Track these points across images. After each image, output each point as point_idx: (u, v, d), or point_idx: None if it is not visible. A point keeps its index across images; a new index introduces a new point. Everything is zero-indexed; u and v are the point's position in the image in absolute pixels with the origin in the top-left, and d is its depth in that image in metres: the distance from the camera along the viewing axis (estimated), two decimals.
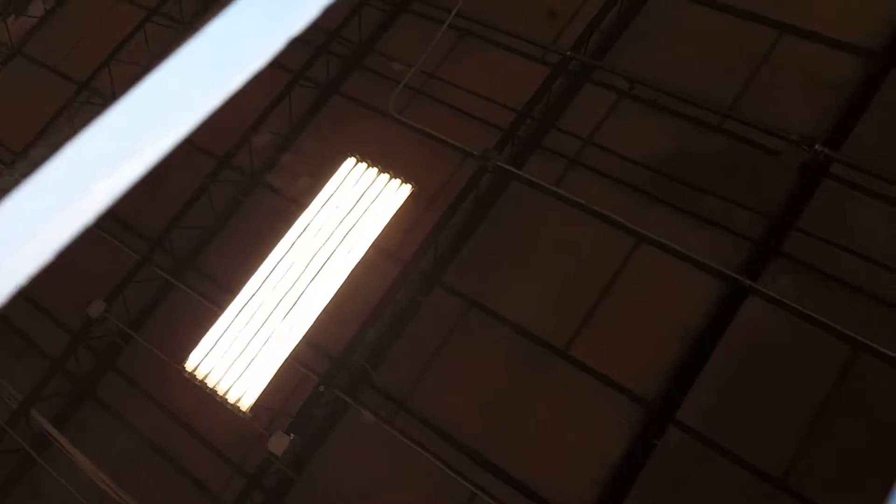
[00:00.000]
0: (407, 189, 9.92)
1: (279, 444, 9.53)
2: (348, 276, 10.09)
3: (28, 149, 13.08)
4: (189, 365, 9.76)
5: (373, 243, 10.27)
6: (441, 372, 9.97)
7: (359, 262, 10.14)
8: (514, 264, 10.33)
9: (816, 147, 9.46)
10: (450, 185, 10.98)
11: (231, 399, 9.45)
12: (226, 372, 9.51)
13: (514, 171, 10.63)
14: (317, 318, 10.04)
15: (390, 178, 9.95)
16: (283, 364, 9.56)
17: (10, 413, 11.32)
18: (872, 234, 9.27)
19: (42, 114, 13.40)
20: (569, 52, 11.08)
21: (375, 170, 10.03)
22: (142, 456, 10.92)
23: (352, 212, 9.80)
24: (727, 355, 8.98)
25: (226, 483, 10.25)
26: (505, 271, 10.30)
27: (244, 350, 9.49)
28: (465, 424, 9.54)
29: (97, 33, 14.61)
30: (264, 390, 9.64)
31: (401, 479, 9.55)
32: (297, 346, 9.87)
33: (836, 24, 10.57)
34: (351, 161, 10.21)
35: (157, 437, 10.89)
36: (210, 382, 9.58)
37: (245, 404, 9.40)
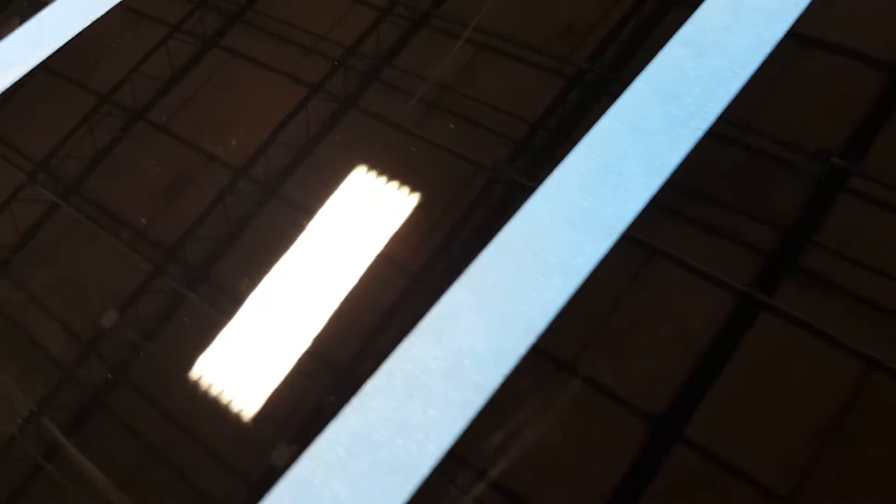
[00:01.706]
0: (415, 198, 9.91)
1: (282, 455, 9.46)
2: (356, 287, 10.05)
3: (49, 159, 13.34)
4: (194, 374, 9.78)
5: (383, 255, 10.23)
6: None
7: (367, 274, 10.09)
8: None
9: (832, 160, 9.26)
10: (462, 196, 10.91)
11: (234, 408, 9.45)
12: (230, 381, 9.54)
13: (526, 182, 10.54)
14: (324, 329, 10.00)
15: (399, 188, 9.97)
16: (288, 375, 9.53)
17: (21, 421, 11.38)
18: (890, 249, 9.03)
19: (64, 125, 13.63)
20: (584, 65, 11.02)
21: (384, 179, 10.06)
22: (149, 465, 10.90)
23: (359, 221, 9.83)
24: (738, 371, 8.75)
25: (229, 493, 10.18)
26: None
27: (249, 359, 9.52)
28: (469, 438, 9.38)
29: (120, 49, 14.88)
30: (269, 401, 9.60)
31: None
32: (302, 357, 9.82)
33: (856, 36, 10.39)
34: (360, 170, 10.26)
35: (165, 447, 10.85)
36: (214, 391, 9.59)
37: (248, 414, 9.38)
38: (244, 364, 9.81)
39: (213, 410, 9.88)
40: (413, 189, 10.39)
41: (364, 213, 10.21)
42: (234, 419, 9.63)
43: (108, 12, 15.76)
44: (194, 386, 10.01)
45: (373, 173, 10.75)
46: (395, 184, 10.35)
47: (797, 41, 10.60)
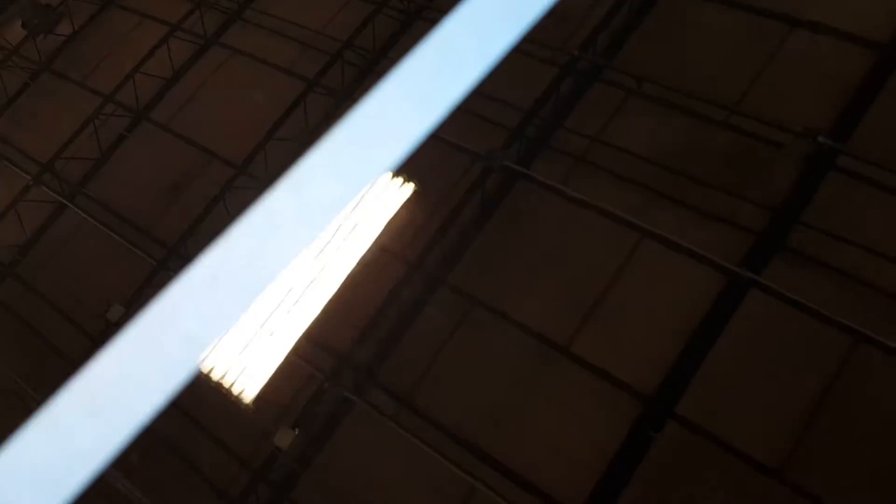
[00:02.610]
0: (410, 187, 10.04)
1: (284, 438, 9.64)
2: (354, 276, 10.20)
3: (54, 160, 13.52)
4: (198, 364, 9.94)
5: (380, 244, 10.38)
6: (444, 369, 10.00)
7: (365, 263, 10.24)
8: (518, 263, 10.35)
9: (820, 139, 9.35)
10: (458, 186, 11.05)
11: (235, 392, 9.62)
12: (230, 365, 9.69)
13: (521, 170, 10.68)
14: (323, 317, 10.15)
15: (393, 177, 10.09)
16: (289, 361, 9.69)
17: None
18: (878, 226, 9.11)
19: (69, 126, 13.82)
20: (576, 52, 11.14)
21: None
22: (152, 451, 11.08)
23: (356, 209, 9.94)
24: (729, 348, 8.87)
25: (233, 477, 10.37)
26: (509, 270, 10.32)
27: (248, 344, 9.65)
28: (466, 420, 9.55)
29: (122, 49, 15.06)
30: (271, 386, 9.77)
31: (404, 473, 9.58)
32: (303, 344, 9.99)
33: (844, 18, 10.46)
34: None
35: (168, 433, 11.04)
36: (215, 376, 9.75)
37: (248, 397, 9.55)
38: (241, 346, 9.98)
39: (215, 396, 10.07)
40: (409, 179, 10.54)
41: (362, 204, 10.37)
42: (233, 401, 9.83)
43: (110, 13, 15.89)
44: (199, 375, 10.18)
45: None
46: (390, 174, 10.50)
47: (785, 23, 10.69)
